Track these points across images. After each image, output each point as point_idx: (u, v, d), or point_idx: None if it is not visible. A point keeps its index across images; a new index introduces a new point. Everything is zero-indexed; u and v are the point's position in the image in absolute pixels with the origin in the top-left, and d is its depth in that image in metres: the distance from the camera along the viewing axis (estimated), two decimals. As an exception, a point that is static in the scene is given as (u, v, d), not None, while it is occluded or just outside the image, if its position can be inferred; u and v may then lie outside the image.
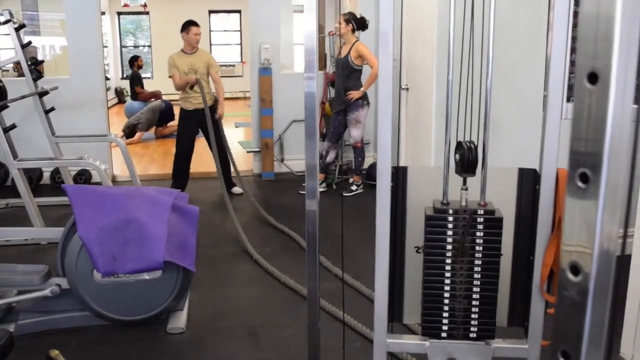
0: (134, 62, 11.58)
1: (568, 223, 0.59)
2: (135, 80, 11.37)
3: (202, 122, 5.91)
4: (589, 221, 0.57)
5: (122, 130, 9.77)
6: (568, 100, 3.77)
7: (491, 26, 1.88)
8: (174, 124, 10.08)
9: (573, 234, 0.58)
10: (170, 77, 5.98)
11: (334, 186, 6.34)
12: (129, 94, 11.68)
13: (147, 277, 3.14)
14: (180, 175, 6.10)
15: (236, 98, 13.96)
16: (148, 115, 9.91)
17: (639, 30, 0.55)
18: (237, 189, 6.26)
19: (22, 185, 4.49)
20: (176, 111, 12.02)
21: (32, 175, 6.12)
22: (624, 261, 2.76)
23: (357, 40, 5.85)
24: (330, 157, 6.18)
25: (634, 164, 0.60)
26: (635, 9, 0.54)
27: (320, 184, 6.14)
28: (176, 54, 6.02)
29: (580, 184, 0.57)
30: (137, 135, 9.67)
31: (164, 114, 10.15)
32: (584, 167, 0.56)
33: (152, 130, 10.08)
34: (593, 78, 0.54)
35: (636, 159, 0.60)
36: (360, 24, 5.89)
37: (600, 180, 0.55)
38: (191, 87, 5.84)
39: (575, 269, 0.58)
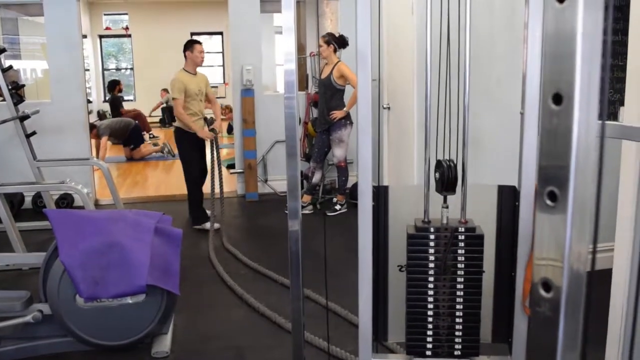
0: (115, 86, 11.78)
1: (538, 240, 0.60)
2: (116, 103, 11.55)
3: (200, 142, 5.67)
4: (559, 238, 0.58)
5: None
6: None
7: (467, 45, 1.91)
8: (146, 147, 9.96)
9: (543, 250, 0.60)
10: (173, 99, 5.49)
11: (318, 206, 6.35)
12: (110, 116, 11.75)
13: (130, 301, 3.11)
14: (198, 203, 5.68)
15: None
16: (111, 124, 9.76)
17: (600, 50, 0.57)
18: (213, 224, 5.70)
19: (3, 211, 4.44)
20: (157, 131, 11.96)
21: (14, 200, 6.07)
22: (598, 275, 2.79)
23: (339, 61, 5.89)
24: (316, 178, 6.19)
25: (600, 178, 0.62)
26: (596, 28, 0.56)
27: (307, 206, 6.14)
28: (183, 74, 5.53)
29: (548, 202, 0.58)
30: (103, 140, 9.47)
31: (133, 132, 9.91)
32: (551, 186, 0.58)
33: (122, 151, 9.97)
34: (557, 99, 0.56)
35: (602, 174, 0.62)
36: (340, 42, 5.94)
37: (567, 198, 0.56)
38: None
39: (546, 285, 0.59)
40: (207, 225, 5.53)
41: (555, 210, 0.58)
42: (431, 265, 1.94)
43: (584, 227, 0.58)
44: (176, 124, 5.60)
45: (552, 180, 0.58)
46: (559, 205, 0.58)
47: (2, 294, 3.28)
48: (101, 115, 14.69)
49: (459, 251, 1.93)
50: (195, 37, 15.46)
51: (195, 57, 5.56)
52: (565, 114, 0.56)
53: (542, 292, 0.60)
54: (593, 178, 0.58)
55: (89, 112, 7.24)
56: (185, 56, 5.61)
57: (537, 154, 1.84)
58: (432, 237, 1.93)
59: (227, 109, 12.13)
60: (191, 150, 5.60)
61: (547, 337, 0.60)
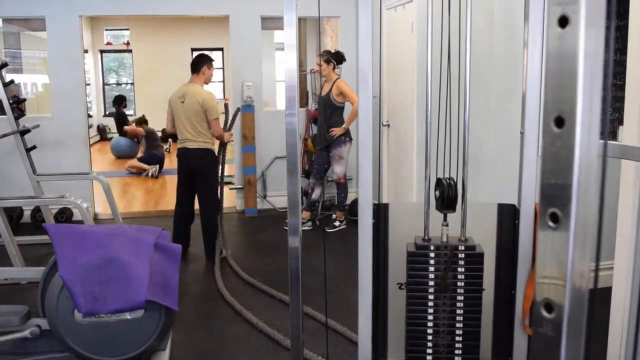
0: (122, 102, 11.87)
1: (541, 259, 0.61)
2: (122, 118, 11.61)
3: None
4: (561, 259, 0.58)
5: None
6: (546, 135, 3.82)
7: (467, 63, 1.92)
8: (134, 161, 9.96)
9: (545, 270, 0.60)
10: (217, 119, 5.19)
11: (317, 222, 6.35)
12: (111, 131, 11.78)
13: (129, 317, 3.10)
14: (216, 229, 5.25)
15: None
16: (150, 130, 10.05)
17: (602, 71, 0.58)
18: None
19: (1, 224, 4.43)
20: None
21: (13, 214, 6.06)
22: (600, 294, 2.79)
23: (338, 78, 5.92)
24: (315, 194, 6.20)
25: (602, 197, 0.62)
26: (597, 51, 0.57)
27: (306, 222, 6.14)
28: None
29: (550, 223, 0.59)
30: (140, 129, 10.14)
31: (152, 157, 9.94)
32: (554, 207, 0.58)
33: (121, 165, 10.05)
34: (559, 122, 0.57)
35: (604, 193, 0.62)
36: (338, 59, 5.98)
37: (569, 220, 0.57)
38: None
39: (548, 306, 0.60)
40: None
41: (557, 232, 0.58)
42: (431, 283, 1.94)
43: (585, 247, 0.58)
44: (206, 145, 5.16)
45: (554, 202, 0.58)
46: (561, 226, 0.58)
47: (0, 308, 3.27)
48: (101, 130, 14.72)
49: (459, 269, 1.94)
50: (195, 53, 15.57)
51: (210, 75, 5.25)
52: (568, 136, 0.56)
53: (544, 313, 0.60)
54: (595, 197, 0.58)
55: (89, 127, 7.24)
56: (199, 70, 5.14)
57: (538, 173, 1.85)
58: (432, 255, 1.94)
59: None
60: (217, 171, 5.27)
61: (549, 357, 0.60)
